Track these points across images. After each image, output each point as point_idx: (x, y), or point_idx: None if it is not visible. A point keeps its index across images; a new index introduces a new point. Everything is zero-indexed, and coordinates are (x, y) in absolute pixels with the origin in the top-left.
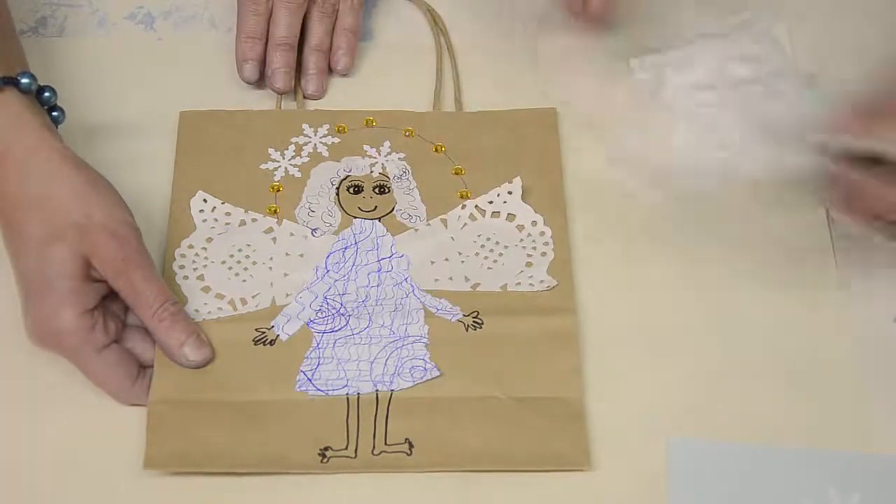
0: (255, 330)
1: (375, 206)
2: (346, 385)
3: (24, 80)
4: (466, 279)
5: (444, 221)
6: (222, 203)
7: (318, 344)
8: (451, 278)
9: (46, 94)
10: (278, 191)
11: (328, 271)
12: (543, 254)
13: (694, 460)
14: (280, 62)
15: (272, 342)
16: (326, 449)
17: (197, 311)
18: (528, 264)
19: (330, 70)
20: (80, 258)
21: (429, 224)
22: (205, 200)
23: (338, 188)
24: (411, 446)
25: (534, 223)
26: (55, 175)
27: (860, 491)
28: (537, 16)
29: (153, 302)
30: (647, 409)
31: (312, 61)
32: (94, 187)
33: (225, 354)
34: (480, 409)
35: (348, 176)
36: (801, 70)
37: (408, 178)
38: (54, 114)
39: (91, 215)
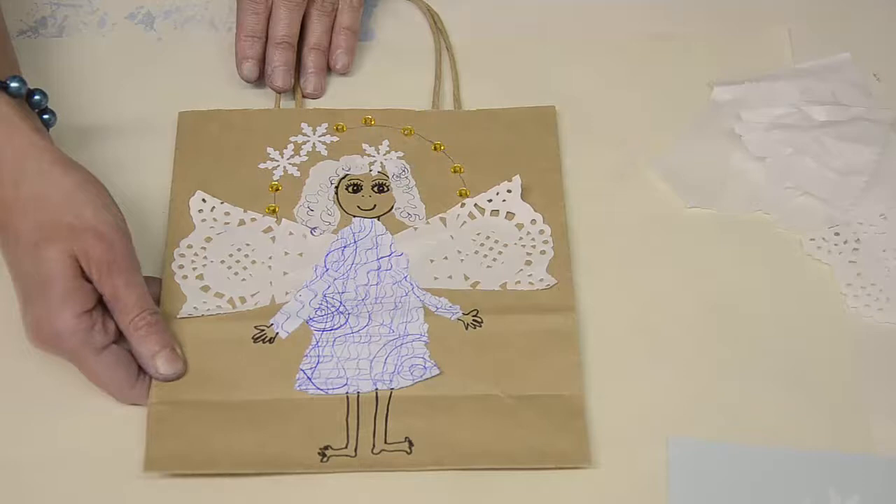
0: (255, 328)
1: (374, 205)
2: (346, 384)
3: (14, 85)
4: (466, 277)
5: (444, 220)
6: (221, 203)
7: (317, 342)
8: (450, 277)
9: (37, 97)
10: (277, 190)
11: (327, 270)
12: (543, 252)
13: (694, 460)
14: (279, 60)
15: (271, 340)
16: (326, 448)
17: (195, 308)
18: (528, 262)
19: (329, 69)
20: (72, 258)
21: (428, 222)
22: (204, 200)
23: (337, 187)
24: (411, 445)
25: (533, 221)
26: (46, 177)
27: (860, 492)
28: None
29: (131, 309)
30: (647, 408)
31: (311, 60)
32: (83, 189)
33: (224, 352)
34: (480, 408)
35: (347, 175)
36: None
37: (407, 177)
38: (45, 117)
39: (80, 216)
